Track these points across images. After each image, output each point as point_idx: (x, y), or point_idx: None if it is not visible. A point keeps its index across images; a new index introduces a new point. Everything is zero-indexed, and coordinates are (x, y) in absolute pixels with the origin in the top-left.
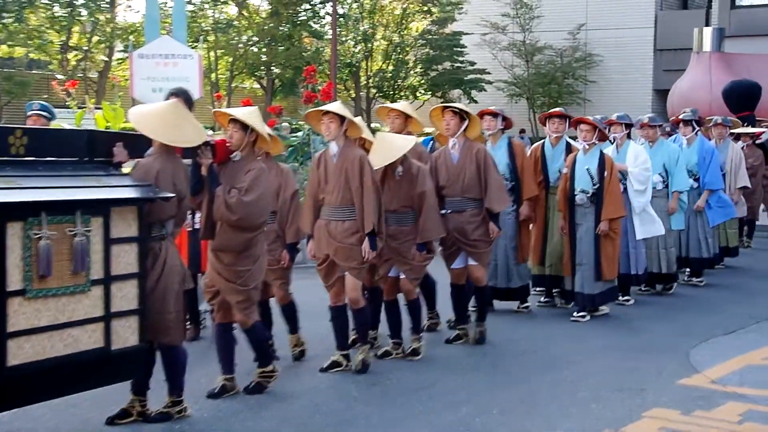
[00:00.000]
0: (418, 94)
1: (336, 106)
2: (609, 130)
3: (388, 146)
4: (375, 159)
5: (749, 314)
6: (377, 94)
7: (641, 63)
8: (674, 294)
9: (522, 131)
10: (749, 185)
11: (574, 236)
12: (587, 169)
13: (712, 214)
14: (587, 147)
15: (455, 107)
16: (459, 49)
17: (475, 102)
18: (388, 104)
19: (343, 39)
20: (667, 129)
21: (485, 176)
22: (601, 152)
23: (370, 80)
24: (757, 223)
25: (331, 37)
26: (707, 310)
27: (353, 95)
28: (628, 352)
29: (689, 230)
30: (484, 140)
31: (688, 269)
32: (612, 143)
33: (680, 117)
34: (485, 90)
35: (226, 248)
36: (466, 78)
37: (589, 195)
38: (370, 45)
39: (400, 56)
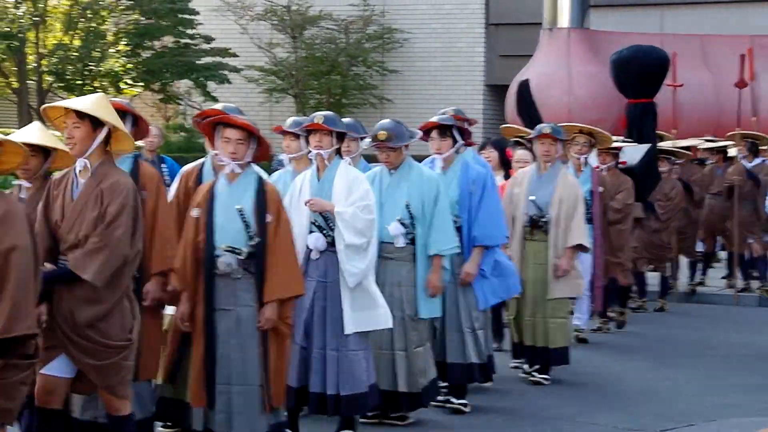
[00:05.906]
0: (122, 85)
1: None
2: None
3: None
4: None
5: None
6: (56, 84)
7: (467, 44)
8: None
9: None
10: (586, 244)
11: (214, 334)
12: (239, 211)
13: (485, 288)
14: (237, 171)
15: (71, 106)
16: (187, 15)
17: (215, 100)
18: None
19: None
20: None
21: None
22: (261, 180)
23: (44, 61)
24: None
25: None
26: None
27: (15, 85)
28: None
29: (446, 317)
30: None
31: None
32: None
33: (433, 120)
34: (230, 81)
35: None
36: (199, 62)
37: (242, 257)
38: (42, 5)
39: (93, 25)
